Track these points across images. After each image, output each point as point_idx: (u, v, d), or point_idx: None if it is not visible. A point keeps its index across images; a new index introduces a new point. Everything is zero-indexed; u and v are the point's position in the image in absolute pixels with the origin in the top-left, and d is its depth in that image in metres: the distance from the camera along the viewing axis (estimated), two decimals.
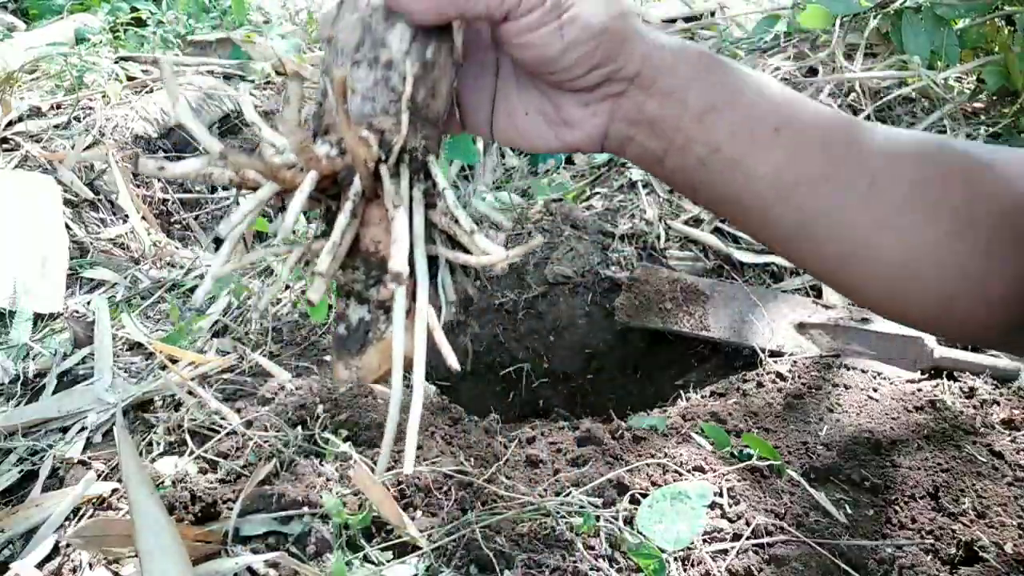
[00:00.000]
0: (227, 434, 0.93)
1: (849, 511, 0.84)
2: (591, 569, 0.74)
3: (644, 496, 0.83)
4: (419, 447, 0.90)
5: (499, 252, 0.48)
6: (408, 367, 0.46)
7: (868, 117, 1.83)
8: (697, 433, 0.95)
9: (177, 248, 1.57)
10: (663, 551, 0.75)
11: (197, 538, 0.75)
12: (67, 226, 1.44)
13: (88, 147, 1.65)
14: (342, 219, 0.46)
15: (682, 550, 0.76)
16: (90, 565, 0.75)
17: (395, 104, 0.49)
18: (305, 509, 0.79)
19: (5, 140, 1.63)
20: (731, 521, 0.81)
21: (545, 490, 0.85)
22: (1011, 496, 0.85)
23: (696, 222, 1.51)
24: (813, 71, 2.03)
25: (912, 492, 0.86)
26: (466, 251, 0.50)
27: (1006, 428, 0.96)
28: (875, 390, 1.04)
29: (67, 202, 1.51)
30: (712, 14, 2.48)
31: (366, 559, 0.75)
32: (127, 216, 1.58)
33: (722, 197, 0.52)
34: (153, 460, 0.90)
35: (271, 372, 1.08)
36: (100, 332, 1.15)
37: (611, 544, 0.77)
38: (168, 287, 1.35)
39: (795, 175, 0.49)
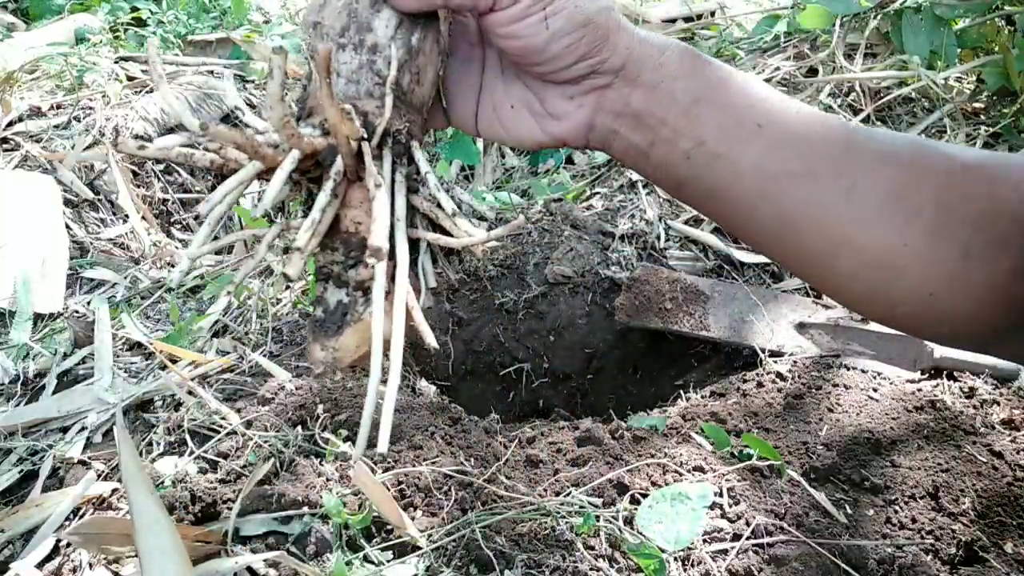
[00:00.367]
0: (227, 434, 0.93)
1: (849, 511, 0.84)
2: (591, 569, 0.74)
3: (644, 496, 0.83)
4: (419, 447, 0.90)
5: (480, 233, 0.48)
6: (387, 348, 0.46)
7: (868, 117, 1.83)
8: (697, 433, 0.95)
9: (177, 248, 1.57)
10: (663, 551, 0.75)
11: (197, 538, 0.75)
12: (67, 226, 1.44)
13: (88, 147, 1.65)
14: (323, 197, 0.46)
15: (682, 550, 0.76)
16: (90, 565, 0.75)
17: (379, 87, 0.49)
18: (305, 509, 0.79)
19: (5, 140, 1.63)
20: (731, 521, 0.81)
21: (545, 490, 0.85)
22: (1011, 496, 0.85)
23: (696, 222, 1.51)
24: (813, 71, 2.03)
25: (912, 492, 0.86)
26: (448, 236, 0.50)
27: (1006, 428, 0.96)
28: (875, 390, 1.04)
29: (67, 202, 1.52)
30: (712, 14, 2.48)
31: (366, 559, 0.75)
32: (127, 216, 1.58)
33: (707, 192, 0.52)
34: (153, 460, 0.90)
35: (271, 372, 1.08)
36: (100, 332, 1.15)
37: (611, 544, 0.77)
38: (168, 287, 1.35)
39: (778, 170, 0.49)
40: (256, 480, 0.82)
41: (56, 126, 1.71)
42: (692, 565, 0.75)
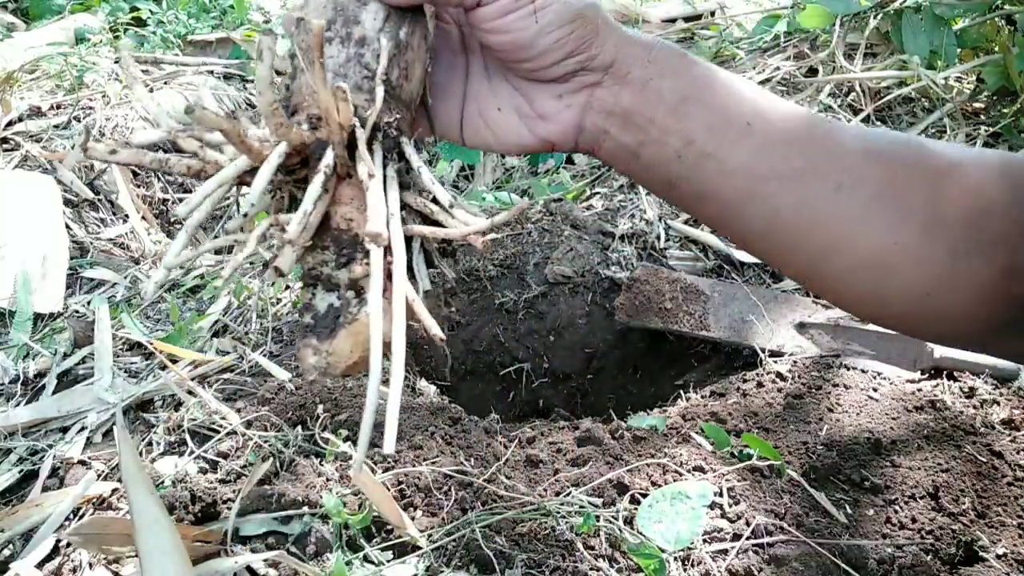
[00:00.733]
0: (227, 434, 0.93)
1: (849, 511, 0.84)
2: (591, 569, 0.74)
3: (644, 496, 0.83)
4: (419, 447, 0.90)
5: (482, 221, 0.46)
6: (385, 349, 0.44)
7: (868, 117, 1.83)
8: (697, 433, 0.95)
9: None
10: (663, 551, 0.75)
11: (197, 538, 0.75)
12: (67, 226, 1.44)
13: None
14: (313, 189, 0.44)
15: (682, 550, 0.76)
16: (90, 565, 0.75)
17: (368, 80, 0.48)
18: (305, 509, 0.79)
19: (5, 140, 1.63)
20: (731, 521, 0.81)
21: (545, 490, 0.85)
22: (1011, 496, 0.85)
23: (696, 222, 1.51)
24: (813, 71, 2.03)
25: (912, 492, 0.86)
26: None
27: (1006, 428, 0.96)
28: (875, 390, 1.04)
29: (67, 202, 1.51)
30: (712, 14, 2.48)
31: (366, 559, 0.75)
32: (127, 216, 1.58)
33: (698, 193, 0.52)
34: (153, 460, 0.90)
35: (271, 372, 1.08)
36: (100, 332, 1.15)
37: (611, 544, 0.77)
38: (168, 287, 1.35)
39: (767, 169, 0.49)
40: (256, 480, 0.82)
41: (56, 126, 1.71)
42: (692, 565, 0.75)
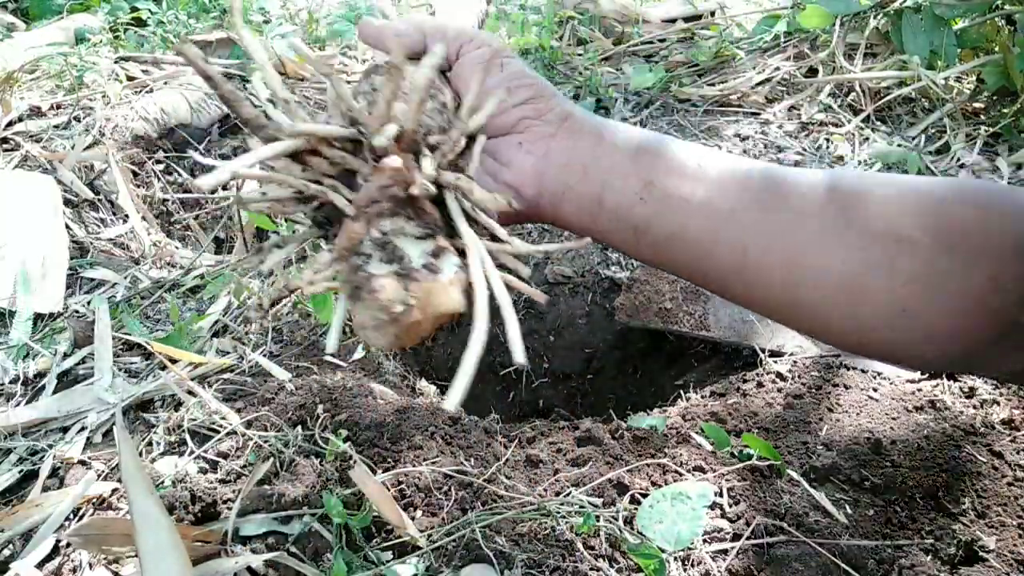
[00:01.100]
0: (227, 434, 0.93)
1: (849, 511, 0.84)
2: (591, 569, 0.74)
3: (644, 496, 0.83)
4: (419, 447, 0.90)
5: (540, 247, 0.51)
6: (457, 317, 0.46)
7: (868, 117, 1.83)
8: (697, 433, 0.95)
9: (177, 248, 1.57)
10: (663, 551, 0.75)
11: (197, 538, 0.75)
12: (67, 226, 1.44)
13: (88, 147, 1.65)
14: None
15: (682, 550, 0.76)
16: (90, 565, 0.75)
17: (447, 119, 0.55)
18: (305, 509, 0.79)
19: (5, 140, 1.63)
20: (731, 521, 0.81)
21: (545, 490, 0.85)
22: (1011, 496, 0.85)
23: None
24: (813, 71, 2.03)
25: (912, 492, 0.86)
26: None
27: (1006, 428, 0.96)
28: (875, 390, 1.04)
29: (67, 202, 1.51)
30: (712, 14, 2.48)
31: (366, 559, 0.75)
32: (127, 216, 1.58)
33: (665, 236, 0.53)
34: (153, 460, 0.90)
35: (271, 372, 1.08)
36: (100, 332, 1.15)
37: (611, 544, 0.77)
38: (168, 287, 1.35)
39: (727, 205, 0.51)
40: (256, 480, 0.82)
41: (56, 126, 1.71)
42: (692, 565, 0.75)
